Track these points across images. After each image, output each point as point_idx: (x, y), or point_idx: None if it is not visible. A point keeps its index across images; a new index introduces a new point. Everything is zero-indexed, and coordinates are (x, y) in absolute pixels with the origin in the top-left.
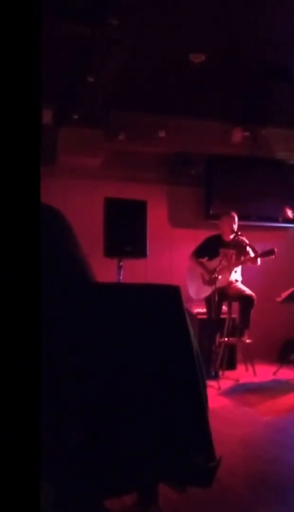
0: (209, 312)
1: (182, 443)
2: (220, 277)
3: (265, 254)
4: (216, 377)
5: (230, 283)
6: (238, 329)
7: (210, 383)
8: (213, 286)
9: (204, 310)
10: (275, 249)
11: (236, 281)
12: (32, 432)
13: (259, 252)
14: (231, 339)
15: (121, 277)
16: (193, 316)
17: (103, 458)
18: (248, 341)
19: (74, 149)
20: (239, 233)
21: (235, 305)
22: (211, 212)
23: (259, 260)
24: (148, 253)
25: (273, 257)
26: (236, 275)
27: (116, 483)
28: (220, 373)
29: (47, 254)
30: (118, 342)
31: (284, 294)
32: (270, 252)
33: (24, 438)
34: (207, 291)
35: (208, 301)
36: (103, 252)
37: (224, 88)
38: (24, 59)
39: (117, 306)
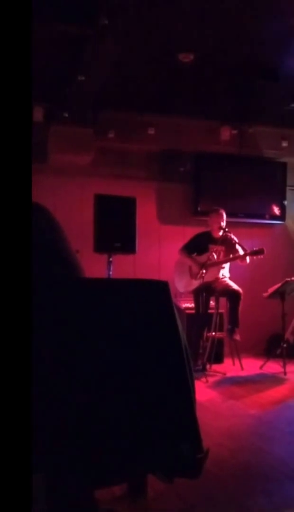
0: (197, 307)
1: (170, 435)
2: (204, 271)
3: (254, 253)
4: (203, 370)
5: (218, 278)
6: (228, 330)
7: (198, 376)
8: (201, 280)
9: (192, 305)
10: (264, 249)
11: (224, 276)
12: (23, 424)
13: (249, 250)
14: (218, 333)
15: (110, 273)
16: (181, 311)
17: (92, 449)
18: (238, 337)
19: (64, 147)
20: (227, 230)
21: (223, 300)
22: (199, 209)
23: (248, 258)
24: (137, 249)
25: (262, 256)
26: (224, 271)
27: (105, 474)
28: (208, 366)
29: (35, 250)
30: (107, 336)
31: (271, 290)
32: (259, 252)
33: (15, 430)
34: (194, 284)
35: (196, 296)
36: (93, 248)
37: (212, 87)
38: (15, 58)
39: (106, 301)
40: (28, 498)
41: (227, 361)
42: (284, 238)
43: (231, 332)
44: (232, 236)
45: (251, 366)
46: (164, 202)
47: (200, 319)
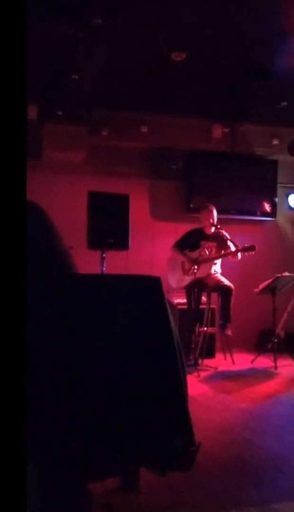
0: (189, 302)
1: (163, 428)
2: (197, 267)
3: (245, 249)
4: (195, 365)
5: (210, 274)
6: (220, 325)
7: (190, 371)
8: (193, 276)
9: (185, 300)
10: (256, 246)
11: (216, 272)
12: (17, 417)
13: (240, 247)
14: (210, 328)
15: (104, 269)
16: (173, 306)
17: (86, 443)
18: (230, 332)
19: (58, 144)
20: (219, 226)
21: (215, 296)
22: (191, 205)
23: (239, 254)
24: (130, 245)
25: (254, 253)
26: (215, 267)
27: (99, 468)
28: (200, 361)
29: (29, 246)
30: (100, 331)
31: (262, 286)
32: (251, 248)
33: (9, 422)
34: (187, 280)
35: (189, 291)
36: (87, 244)
37: (204, 86)
38: (10, 58)
39: (99, 297)
40: (23, 492)
41: (219, 356)
42: (275, 235)
43: (223, 327)
44: (224, 233)
45: (242, 360)
46: (157, 199)
47: (192, 314)
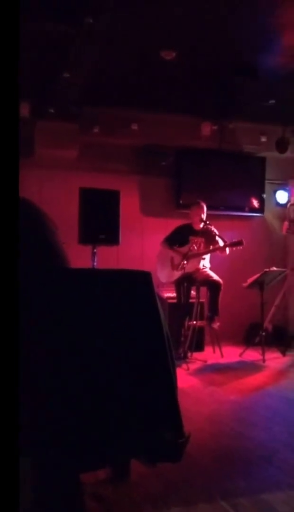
0: (178, 296)
1: (153, 420)
2: (185, 262)
3: (233, 244)
4: (185, 358)
5: (198, 269)
6: (208, 318)
7: (179, 364)
8: (182, 271)
9: (174, 294)
10: (243, 240)
11: (204, 267)
12: (10, 410)
13: (228, 242)
14: (199, 322)
15: (95, 263)
16: (163, 300)
17: (78, 434)
18: (217, 325)
19: (50, 141)
20: (208, 222)
21: (204, 290)
22: (181, 201)
23: (227, 249)
24: (120, 240)
25: (241, 247)
26: (204, 262)
27: (90, 459)
28: (189, 354)
29: (24, 241)
30: (91, 324)
31: (250, 280)
32: (238, 243)
33: (2, 416)
34: (176, 275)
35: (178, 286)
36: (78, 240)
37: (193, 84)
38: (2, 56)
39: (91, 290)
40: (16, 483)
41: (208, 349)
42: (263, 230)
43: (211, 320)
44: (212, 228)
45: (231, 353)
46: (147, 195)
47: (182, 308)
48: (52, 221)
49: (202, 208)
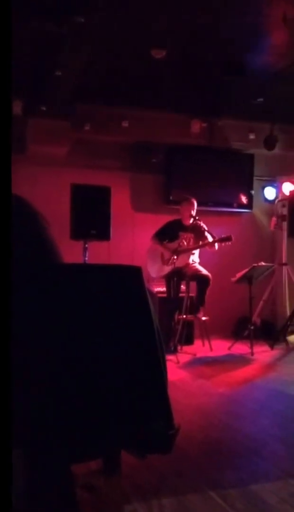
0: (168, 291)
1: (144, 412)
2: (175, 257)
3: (222, 240)
4: (175, 351)
5: (188, 264)
6: (194, 306)
7: (169, 357)
8: (172, 266)
9: (164, 289)
10: (232, 236)
11: (194, 262)
12: (2, 402)
13: (217, 237)
14: (189, 316)
15: (86, 258)
16: (153, 295)
17: (70, 426)
18: (204, 318)
19: (42, 139)
20: (197, 218)
21: (193, 285)
22: (171, 198)
23: (216, 245)
24: (111, 236)
25: (230, 243)
26: (194, 257)
27: (81, 451)
28: (179, 348)
29: (16, 236)
30: (83, 318)
31: (239, 275)
32: (227, 239)
33: None
34: (166, 270)
35: (168, 281)
36: (70, 235)
37: (183, 82)
38: None
39: (82, 285)
40: (9, 474)
41: (197, 343)
42: (251, 226)
43: (196, 310)
44: (202, 224)
45: (220, 347)
46: (137, 191)
47: (172, 302)
48: (43, 217)
49: (193, 204)
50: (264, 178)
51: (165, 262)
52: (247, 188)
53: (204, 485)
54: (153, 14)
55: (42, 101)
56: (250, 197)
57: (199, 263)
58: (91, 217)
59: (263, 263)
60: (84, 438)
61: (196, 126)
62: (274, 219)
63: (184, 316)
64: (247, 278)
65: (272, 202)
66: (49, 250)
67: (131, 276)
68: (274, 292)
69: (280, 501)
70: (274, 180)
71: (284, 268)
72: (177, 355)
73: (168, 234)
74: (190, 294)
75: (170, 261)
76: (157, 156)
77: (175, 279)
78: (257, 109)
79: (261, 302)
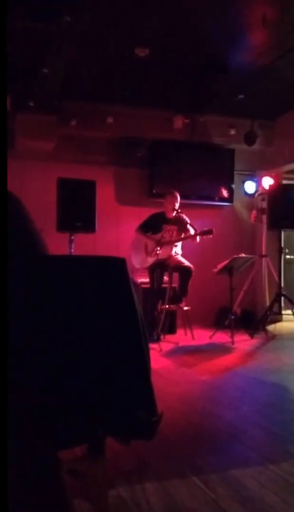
0: (152, 282)
1: (127, 399)
2: (159, 249)
3: (204, 233)
4: (158, 340)
5: (171, 256)
6: (177, 296)
7: (153, 346)
8: (155, 257)
9: (147, 280)
10: (213, 230)
11: (177, 254)
12: None
13: (199, 230)
14: (171, 306)
15: (72, 250)
16: (137, 285)
17: (55, 413)
18: (186, 308)
19: (30, 133)
20: (180, 210)
21: (176, 276)
22: (154, 191)
23: (198, 238)
24: (97, 228)
25: (211, 236)
26: (176, 249)
27: (66, 437)
28: (162, 336)
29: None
30: (68, 308)
31: (220, 266)
32: (208, 232)
33: None
34: (150, 261)
35: (151, 272)
36: (56, 227)
37: (166, 79)
38: None
39: (68, 276)
40: (4, 461)
41: (180, 332)
42: (232, 219)
43: (179, 299)
44: (184, 217)
45: (201, 336)
46: (122, 185)
47: (155, 293)
48: (27, 209)
49: (176, 197)
50: (244, 173)
51: (148, 253)
52: (228, 182)
53: (187, 470)
54: (137, 13)
55: (29, 97)
56: (231, 191)
57: (182, 255)
58: (77, 210)
59: (243, 255)
60: (70, 424)
61: (179, 122)
62: (254, 212)
63: (167, 306)
64: (228, 269)
65: (252, 195)
66: (35, 242)
67: (116, 267)
68: (254, 282)
69: (259, 486)
70: (254, 174)
71: (264, 260)
72: (160, 343)
73: (152, 226)
74: (173, 285)
75: (154, 252)
76: (141, 151)
77: (158, 270)
78: (237, 106)
79: (242, 293)
